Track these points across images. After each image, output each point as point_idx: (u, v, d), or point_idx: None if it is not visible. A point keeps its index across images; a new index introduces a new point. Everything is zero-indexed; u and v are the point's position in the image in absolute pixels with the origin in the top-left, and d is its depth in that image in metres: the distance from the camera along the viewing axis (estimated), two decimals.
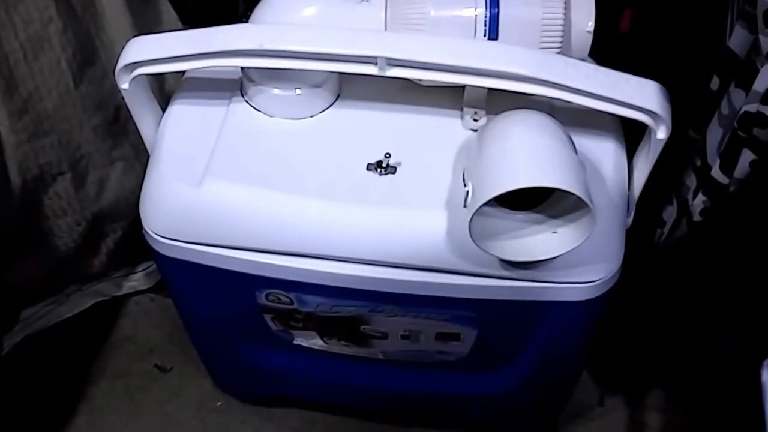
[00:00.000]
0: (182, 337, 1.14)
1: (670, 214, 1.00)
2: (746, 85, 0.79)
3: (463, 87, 0.78)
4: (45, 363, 1.25)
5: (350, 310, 0.85)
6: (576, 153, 0.70)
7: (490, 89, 0.74)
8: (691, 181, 0.93)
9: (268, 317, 0.90)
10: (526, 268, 0.75)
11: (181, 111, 0.84)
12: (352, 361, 0.98)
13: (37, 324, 1.23)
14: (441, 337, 0.88)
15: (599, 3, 0.76)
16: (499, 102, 0.77)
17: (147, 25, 1.10)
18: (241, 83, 0.83)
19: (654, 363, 1.21)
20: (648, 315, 1.16)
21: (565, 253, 0.70)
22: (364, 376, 1.03)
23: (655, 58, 0.98)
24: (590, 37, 0.76)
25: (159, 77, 1.10)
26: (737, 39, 0.82)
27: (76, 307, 1.27)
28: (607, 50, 0.82)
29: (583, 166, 0.69)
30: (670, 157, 0.77)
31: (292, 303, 0.85)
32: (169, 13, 1.15)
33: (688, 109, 0.88)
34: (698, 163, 0.91)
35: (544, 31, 0.73)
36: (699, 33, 0.96)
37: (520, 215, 0.73)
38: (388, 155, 0.77)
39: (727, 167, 0.84)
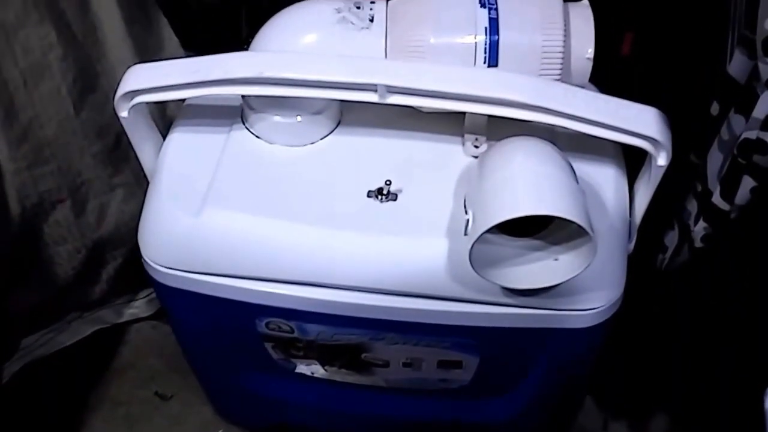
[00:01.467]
0: (183, 365, 1.13)
1: (671, 239, 0.99)
2: (746, 111, 0.79)
3: (463, 113, 0.78)
4: (45, 391, 1.24)
5: (351, 338, 0.84)
6: (576, 180, 0.70)
7: (490, 116, 0.74)
8: (692, 207, 0.92)
9: (268, 346, 0.90)
10: (527, 296, 0.75)
11: (181, 138, 0.84)
12: (354, 389, 0.98)
13: (38, 352, 1.22)
14: (443, 364, 0.88)
15: (600, 27, 0.76)
16: (499, 128, 0.76)
17: (148, 51, 1.10)
18: (242, 110, 0.83)
19: (657, 387, 1.20)
20: (650, 339, 1.16)
21: (567, 281, 0.70)
22: (366, 404, 1.03)
23: (656, 83, 0.98)
24: (590, 64, 0.75)
25: (160, 102, 1.10)
26: (737, 64, 0.82)
27: (76, 335, 1.26)
28: (608, 74, 0.82)
29: (584, 193, 0.68)
30: (670, 182, 0.77)
31: (292, 331, 0.85)
32: (171, 39, 1.15)
33: (689, 134, 0.88)
34: (699, 188, 0.91)
35: (543, 58, 0.73)
36: (699, 57, 0.96)
37: (521, 242, 0.73)
38: (388, 182, 0.77)
39: (728, 194, 0.83)
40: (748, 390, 0.66)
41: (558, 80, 0.74)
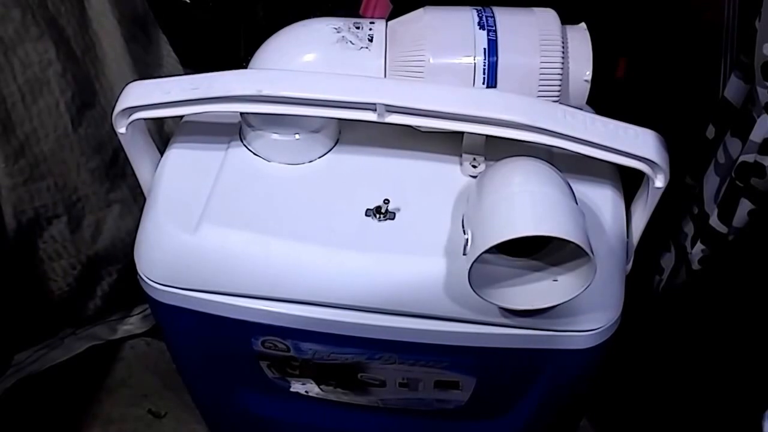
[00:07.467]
0: (177, 382, 1.13)
1: (668, 260, 0.99)
2: (742, 134, 0.79)
3: (462, 133, 0.78)
4: (38, 408, 1.23)
5: (347, 357, 0.84)
6: (575, 201, 0.70)
7: (488, 136, 0.74)
8: (689, 229, 0.93)
9: (264, 364, 0.89)
10: (525, 316, 0.74)
11: (178, 155, 0.84)
12: (350, 409, 0.97)
13: (30, 368, 1.22)
14: (440, 385, 0.87)
15: (596, 51, 0.76)
16: (498, 148, 0.77)
17: (148, 68, 1.10)
18: (240, 127, 0.83)
19: (653, 408, 1.19)
20: (647, 360, 1.15)
21: (566, 302, 0.70)
22: (361, 423, 1.02)
23: (652, 105, 0.99)
24: (588, 86, 0.76)
25: (158, 119, 1.10)
26: (732, 89, 0.83)
27: (70, 351, 1.26)
28: (605, 97, 0.82)
29: (583, 214, 0.68)
30: (667, 203, 0.77)
31: (288, 350, 0.84)
32: (170, 56, 1.15)
33: (685, 156, 0.88)
34: (696, 210, 0.91)
35: (542, 79, 0.73)
36: (694, 81, 0.97)
37: (520, 262, 0.72)
38: (387, 201, 0.77)
39: (726, 216, 0.84)
40: (747, 412, 0.66)
41: (556, 102, 0.74)
